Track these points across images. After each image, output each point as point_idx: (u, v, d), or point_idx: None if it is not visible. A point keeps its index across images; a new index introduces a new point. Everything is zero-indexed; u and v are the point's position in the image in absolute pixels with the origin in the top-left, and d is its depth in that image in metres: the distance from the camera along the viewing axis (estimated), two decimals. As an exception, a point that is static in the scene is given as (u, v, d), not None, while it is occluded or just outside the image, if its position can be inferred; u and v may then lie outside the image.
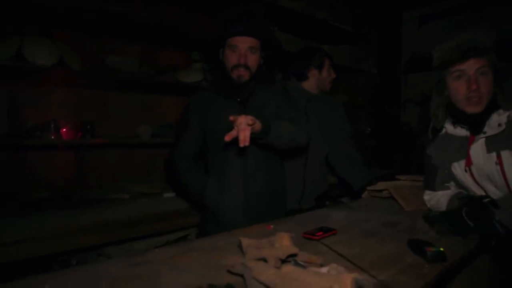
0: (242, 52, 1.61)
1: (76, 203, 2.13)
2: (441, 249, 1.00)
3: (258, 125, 1.33)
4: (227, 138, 1.26)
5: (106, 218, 1.86)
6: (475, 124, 1.37)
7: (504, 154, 1.30)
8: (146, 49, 2.71)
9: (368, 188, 2.03)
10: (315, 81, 2.23)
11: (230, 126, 1.34)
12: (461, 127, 1.42)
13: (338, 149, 2.26)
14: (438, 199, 1.49)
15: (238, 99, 1.68)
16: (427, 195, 1.57)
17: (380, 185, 1.95)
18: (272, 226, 1.36)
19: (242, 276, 0.85)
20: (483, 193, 1.36)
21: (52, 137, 2.12)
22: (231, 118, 1.27)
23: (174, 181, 2.08)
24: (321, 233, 1.21)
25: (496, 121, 1.32)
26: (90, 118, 2.34)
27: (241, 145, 1.25)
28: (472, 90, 1.31)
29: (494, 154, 1.32)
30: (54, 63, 1.99)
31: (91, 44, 2.43)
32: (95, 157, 2.55)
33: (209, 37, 1.73)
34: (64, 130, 2.20)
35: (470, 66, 1.32)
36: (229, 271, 0.90)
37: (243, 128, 1.26)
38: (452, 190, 1.49)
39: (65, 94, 2.39)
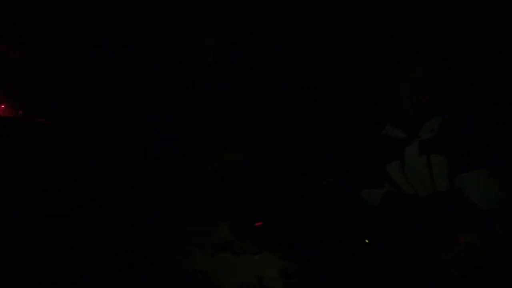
0: None
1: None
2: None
3: None
4: None
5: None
6: (413, 127, 1.48)
7: (433, 157, 1.42)
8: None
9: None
10: None
11: None
12: (401, 129, 1.53)
13: None
14: (373, 196, 1.60)
15: None
16: (364, 193, 1.67)
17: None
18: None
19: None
20: (413, 192, 1.48)
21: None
22: None
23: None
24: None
25: (430, 126, 1.44)
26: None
27: None
28: (417, 93, 1.42)
29: (425, 157, 1.43)
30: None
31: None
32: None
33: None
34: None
35: (419, 72, 1.43)
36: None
37: None
38: (386, 188, 1.60)
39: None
